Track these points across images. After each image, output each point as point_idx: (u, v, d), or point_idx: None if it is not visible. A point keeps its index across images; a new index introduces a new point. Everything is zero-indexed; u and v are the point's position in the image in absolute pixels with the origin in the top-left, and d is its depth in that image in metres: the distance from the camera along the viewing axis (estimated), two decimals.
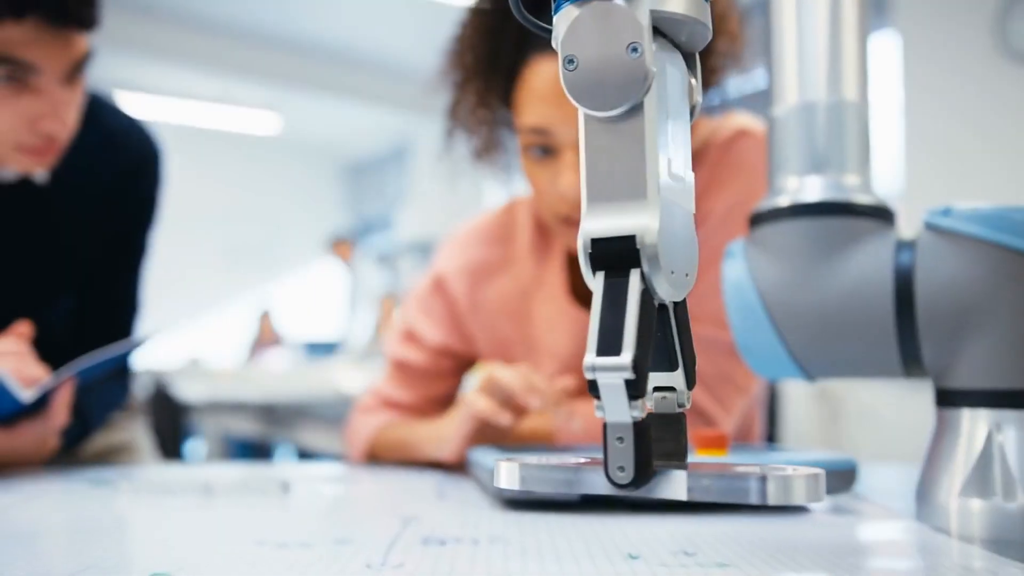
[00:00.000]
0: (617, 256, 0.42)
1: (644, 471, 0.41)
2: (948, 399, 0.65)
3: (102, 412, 1.13)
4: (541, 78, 0.91)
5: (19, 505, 0.74)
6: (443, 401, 1.13)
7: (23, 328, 1.01)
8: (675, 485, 0.42)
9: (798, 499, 0.41)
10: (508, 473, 0.46)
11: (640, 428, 0.41)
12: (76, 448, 1.16)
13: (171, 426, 2.68)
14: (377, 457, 1.07)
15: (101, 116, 1.12)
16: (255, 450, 4.49)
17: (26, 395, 0.92)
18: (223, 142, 8.01)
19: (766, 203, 0.70)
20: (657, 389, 0.47)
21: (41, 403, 0.97)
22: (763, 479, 0.41)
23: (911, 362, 0.66)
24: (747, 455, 0.75)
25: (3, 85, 0.95)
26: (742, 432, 1.06)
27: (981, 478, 0.61)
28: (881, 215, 0.67)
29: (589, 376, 0.40)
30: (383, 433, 1.06)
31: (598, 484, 0.43)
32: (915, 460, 0.80)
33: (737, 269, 0.70)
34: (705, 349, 0.96)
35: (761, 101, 0.76)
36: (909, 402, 3.58)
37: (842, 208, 0.67)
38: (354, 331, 6.98)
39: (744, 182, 0.95)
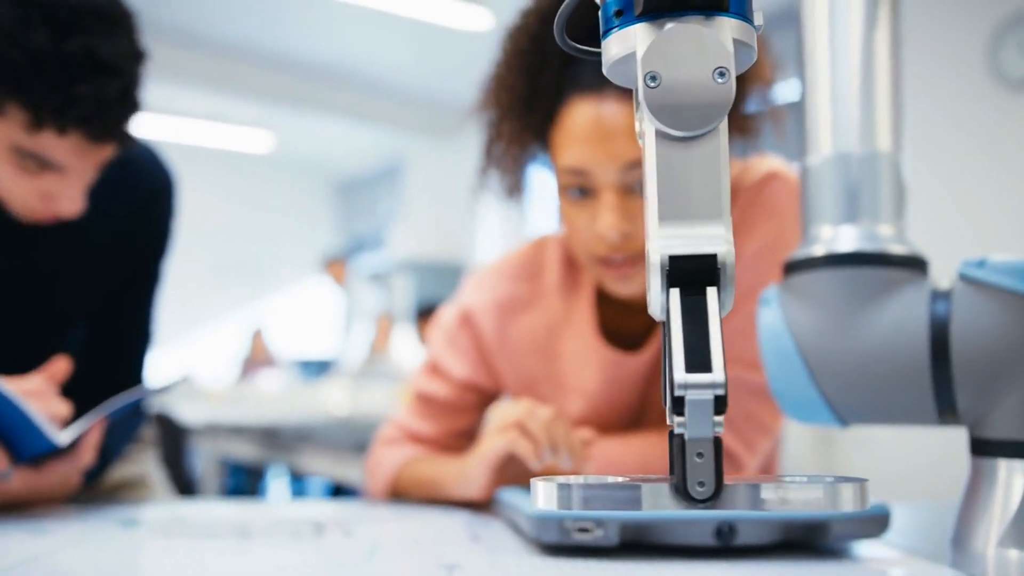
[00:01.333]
0: (696, 274, 0.42)
1: (721, 486, 0.42)
2: (984, 448, 0.66)
3: (119, 446, 1.13)
4: (581, 120, 0.92)
5: (53, 553, 0.74)
6: (466, 435, 1.13)
7: (59, 366, 1.01)
8: (748, 499, 0.42)
9: (852, 505, 0.42)
10: (546, 494, 0.44)
11: (717, 444, 0.42)
12: (93, 483, 1.16)
13: (174, 450, 2.67)
14: (400, 493, 1.07)
15: None
16: (248, 472, 4.47)
17: (62, 438, 0.92)
18: (216, 160, 8.00)
19: (801, 251, 0.71)
20: None
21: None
22: (833, 485, 0.42)
23: (946, 411, 0.67)
24: None
25: (28, 163, 0.95)
26: (763, 471, 1.07)
27: (1019, 529, 0.62)
28: (915, 265, 0.68)
29: (680, 393, 0.41)
30: (407, 469, 1.06)
31: (669, 501, 0.43)
32: (911, 489, 0.81)
33: (772, 316, 0.71)
34: (732, 390, 0.97)
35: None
36: (907, 433, 3.60)
37: (876, 258, 0.68)
38: (348, 351, 6.97)
39: (773, 225, 0.97)
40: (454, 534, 0.82)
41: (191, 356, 7.66)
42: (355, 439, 2.70)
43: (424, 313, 5.67)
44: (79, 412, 1.04)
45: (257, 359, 6.60)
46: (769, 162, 1.01)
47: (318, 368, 6.49)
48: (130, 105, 0.97)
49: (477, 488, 0.93)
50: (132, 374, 1.20)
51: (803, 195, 0.73)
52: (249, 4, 5.38)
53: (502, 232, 7.45)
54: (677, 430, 0.42)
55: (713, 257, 0.42)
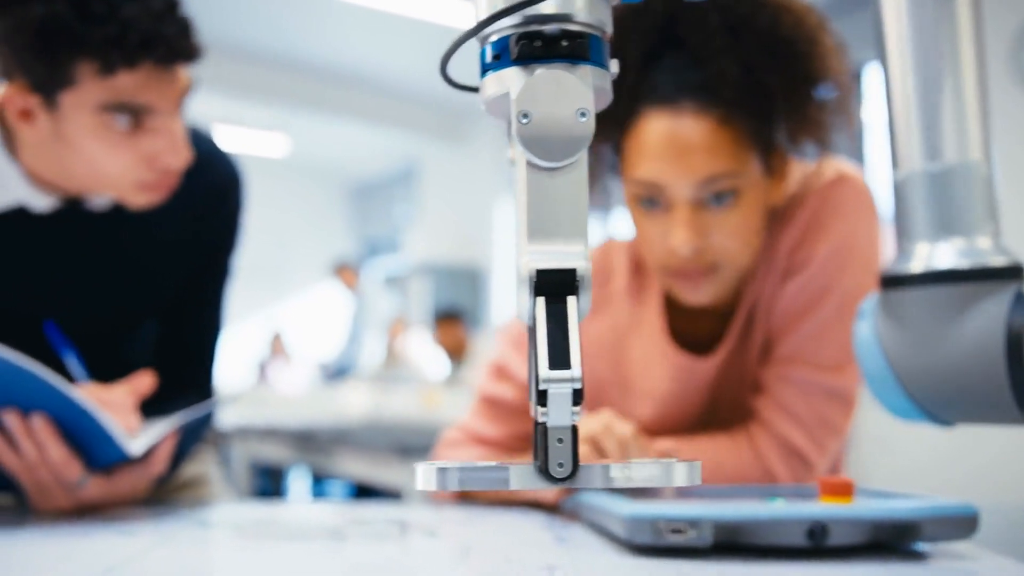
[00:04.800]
0: (559, 285, 0.48)
1: (577, 467, 0.48)
2: None
3: (189, 448, 1.14)
4: (656, 134, 0.93)
5: (144, 555, 0.75)
6: (531, 438, 1.14)
7: (143, 381, 1.03)
8: (600, 477, 0.49)
9: (680, 480, 0.49)
10: (426, 476, 0.49)
11: (574, 430, 0.47)
12: (162, 487, 1.17)
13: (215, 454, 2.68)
14: (468, 493, 1.08)
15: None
16: (271, 474, 4.49)
17: (134, 448, 0.94)
18: None
19: (897, 267, 0.71)
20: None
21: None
22: (669, 464, 0.49)
23: None
24: (873, 500, 0.76)
25: (121, 130, 0.97)
26: (830, 472, 1.08)
27: None
28: (1011, 274, 0.68)
29: (543, 387, 0.46)
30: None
31: (532, 479, 0.49)
32: (928, 488, 0.82)
33: (867, 330, 0.72)
34: (804, 392, 0.98)
35: None
36: (923, 430, 3.59)
37: (974, 274, 0.68)
38: (362, 355, 6.98)
39: (843, 227, 0.97)
40: (538, 536, 0.83)
41: None
42: (386, 441, 2.71)
43: (442, 317, 5.66)
44: (148, 408, 1.06)
45: (276, 361, 6.61)
46: (836, 165, 1.02)
47: (336, 372, 6.51)
48: (180, 19, 0.99)
49: (548, 491, 0.94)
50: (202, 370, 1.22)
51: (896, 209, 0.73)
52: (264, 9, 5.41)
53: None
54: (540, 419, 0.47)
55: (573, 271, 0.48)
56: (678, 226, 0.93)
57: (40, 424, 0.90)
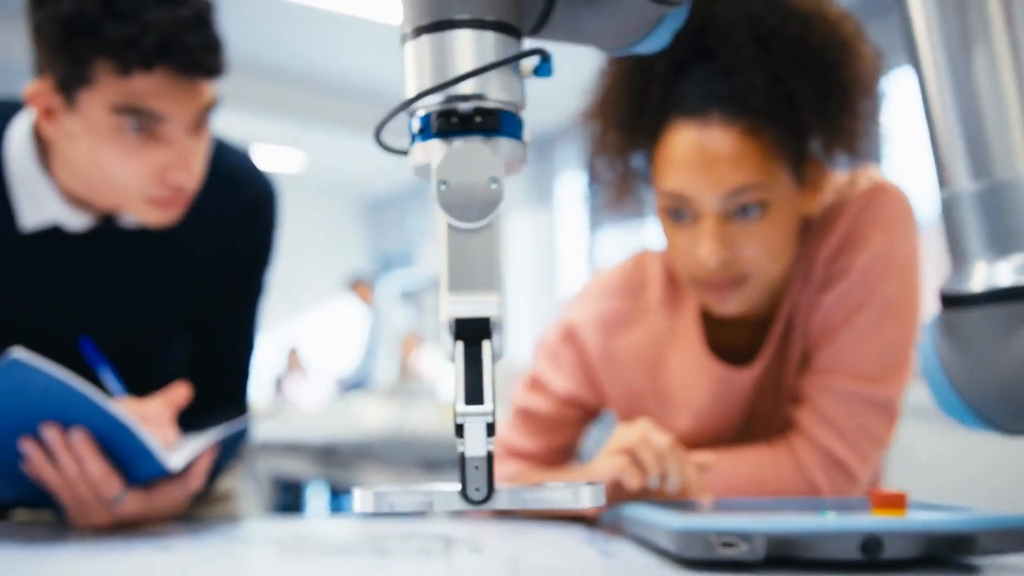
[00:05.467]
0: (475, 331, 0.54)
1: (492, 491, 0.53)
2: None
3: (225, 463, 1.13)
4: (683, 145, 0.93)
5: (189, 571, 0.75)
6: (567, 451, 1.13)
7: (179, 392, 1.02)
8: (511, 499, 0.54)
9: (586, 503, 0.55)
10: (363, 499, 0.55)
11: (489, 458, 0.53)
12: (198, 502, 1.16)
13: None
14: (506, 508, 1.07)
15: (219, 156, 1.14)
16: (289, 488, 4.48)
17: (174, 463, 0.93)
18: None
19: (956, 287, 0.69)
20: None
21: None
22: (576, 486, 0.55)
23: None
24: (925, 513, 0.75)
25: (132, 136, 0.97)
26: (871, 484, 1.07)
27: None
28: None
29: (459, 421, 0.52)
30: (514, 484, 1.06)
31: (455, 502, 0.54)
32: (952, 497, 0.81)
33: (927, 350, 0.71)
34: (846, 402, 0.97)
35: None
36: (948, 438, 3.56)
37: None
38: (377, 369, 6.98)
39: (883, 236, 0.97)
40: (581, 551, 0.82)
41: None
42: (408, 455, 2.70)
43: None
44: (181, 423, 1.05)
45: (293, 377, 6.62)
46: (872, 174, 1.01)
47: (351, 386, 6.51)
48: (207, 33, 0.98)
49: (591, 505, 0.93)
50: (236, 386, 1.21)
51: (946, 227, 0.71)
52: (279, 25, 5.44)
53: (533, 245, 7.47)
54: (459, 448, 0.53)
55: (487, 319, 0.54)
56: (705, 238, 0.93)
57: (80, 439, 0.89)
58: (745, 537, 0.70)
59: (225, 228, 1.16)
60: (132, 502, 0.96)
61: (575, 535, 0.91)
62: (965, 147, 0.69)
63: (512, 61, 0.55)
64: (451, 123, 0.54)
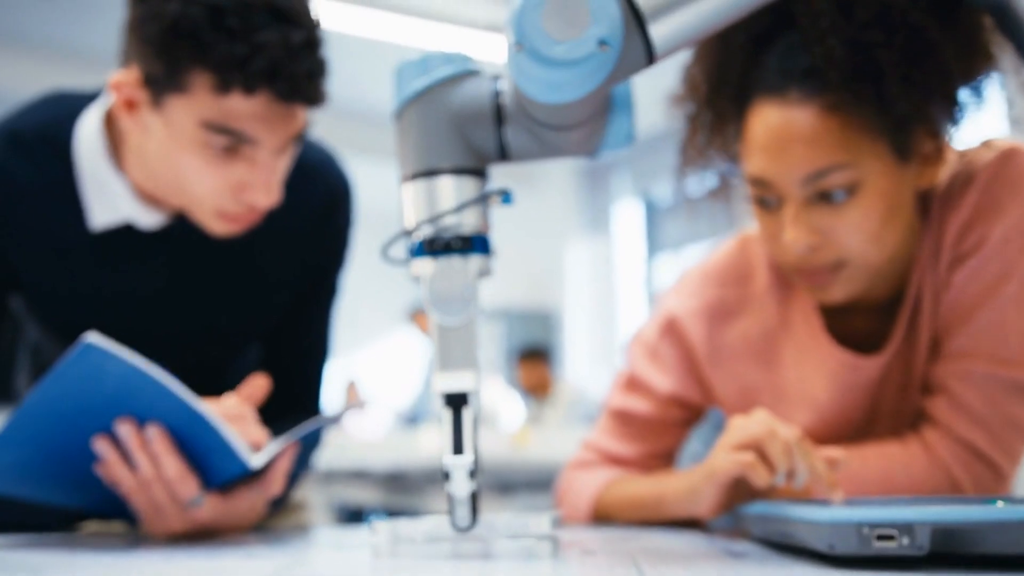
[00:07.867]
0: (459, 402, 0.71)
1: (476, 519, 0.72)
2: None
3: (302, 468, 1.07)
4: (762, 126, 0.87)
5: (293, 571, 0.68)
6: (667, 456, 1.05)
7: (257, 384, 0.96)
8: (507, 527, 0.75)
9: (546, 529, 0.74)
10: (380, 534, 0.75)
11: (473, 495, 0.71)
12: (276, 511, 1.10)
13: None
14: (607, 516, 0.99)
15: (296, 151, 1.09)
16: (352, 517, 4.43)
17: (255, 461, 0.87)
18: None
19: None
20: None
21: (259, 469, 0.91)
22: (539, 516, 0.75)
23: None
24: None
25: (216, 151, 0.93)
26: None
27: None
28: None
29: (446, 469, 0.71)
30: (612, 490, 0.98)
31: (447, 529, 0.73)
32: None
33: None
34: (986, 390, 0.87)
35: None
36: None
37: None
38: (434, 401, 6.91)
39: (1020, 204, 0.87)
40: (706, 551, 0.74)
41: None
42: (480, 480, 2.63)
43: (526, 355, 5.64)
44: None
45: (352, 409, 6.59)
46: (1001, 141, 0.92)
47: (411, 418, 6.46)
48: (315, 59, 0.93)
49: (707, 506, 0.85)
50: (310, 392, 1.16)
51: None
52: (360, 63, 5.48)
53: (591, 272, 7.39)
54: (447, 488, 0.71)
55: (465, 393, 0.71)
56: (788, 224, 0.86)
57: (156, 436, 0.83)
58: (905, 529, 0.61)
59: (299, 227, 1.11)
60: (210, 506, 0.89)
61: (691, 539, 0.83)
62: None
63: (481, 200, 0.72)
64: (437, 246, 0.71)
